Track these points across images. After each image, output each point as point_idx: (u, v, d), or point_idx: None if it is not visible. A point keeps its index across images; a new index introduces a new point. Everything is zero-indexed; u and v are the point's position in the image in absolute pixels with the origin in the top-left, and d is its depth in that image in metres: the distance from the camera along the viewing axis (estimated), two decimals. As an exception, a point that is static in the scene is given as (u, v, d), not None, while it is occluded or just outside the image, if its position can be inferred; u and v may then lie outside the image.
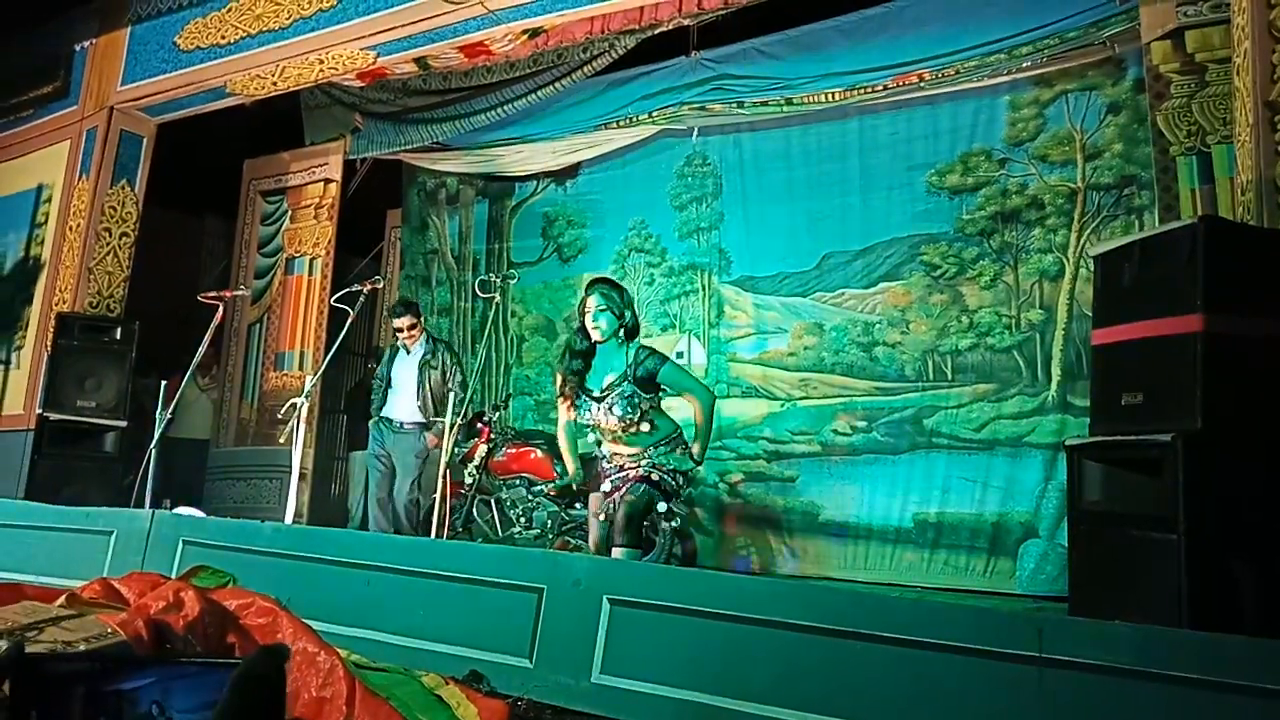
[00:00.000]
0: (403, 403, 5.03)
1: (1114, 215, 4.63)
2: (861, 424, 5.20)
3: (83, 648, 1.70)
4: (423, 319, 5.27)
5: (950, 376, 5.01)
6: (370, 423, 5.13)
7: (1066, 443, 2.71)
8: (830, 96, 5.22)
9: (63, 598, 2.17)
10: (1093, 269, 2.80)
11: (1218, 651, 1.79)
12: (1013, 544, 4.63)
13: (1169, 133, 3.78)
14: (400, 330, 5.03)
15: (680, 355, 5.90)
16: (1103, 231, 4.63)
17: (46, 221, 6.52)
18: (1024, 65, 4.73)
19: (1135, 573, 2.38)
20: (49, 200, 6.56)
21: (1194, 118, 3.72)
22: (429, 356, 5.01)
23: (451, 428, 4.15)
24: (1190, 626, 2.10)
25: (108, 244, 6.21)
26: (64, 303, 6.08)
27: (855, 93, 5.15)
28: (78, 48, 6.66)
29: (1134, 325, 2.51)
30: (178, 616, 1.97)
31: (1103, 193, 4.67)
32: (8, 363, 6.43)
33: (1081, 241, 4.69)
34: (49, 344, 5.74)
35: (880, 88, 5.07)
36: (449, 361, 5.02)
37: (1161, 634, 1.92)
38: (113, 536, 3.34)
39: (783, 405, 5.47)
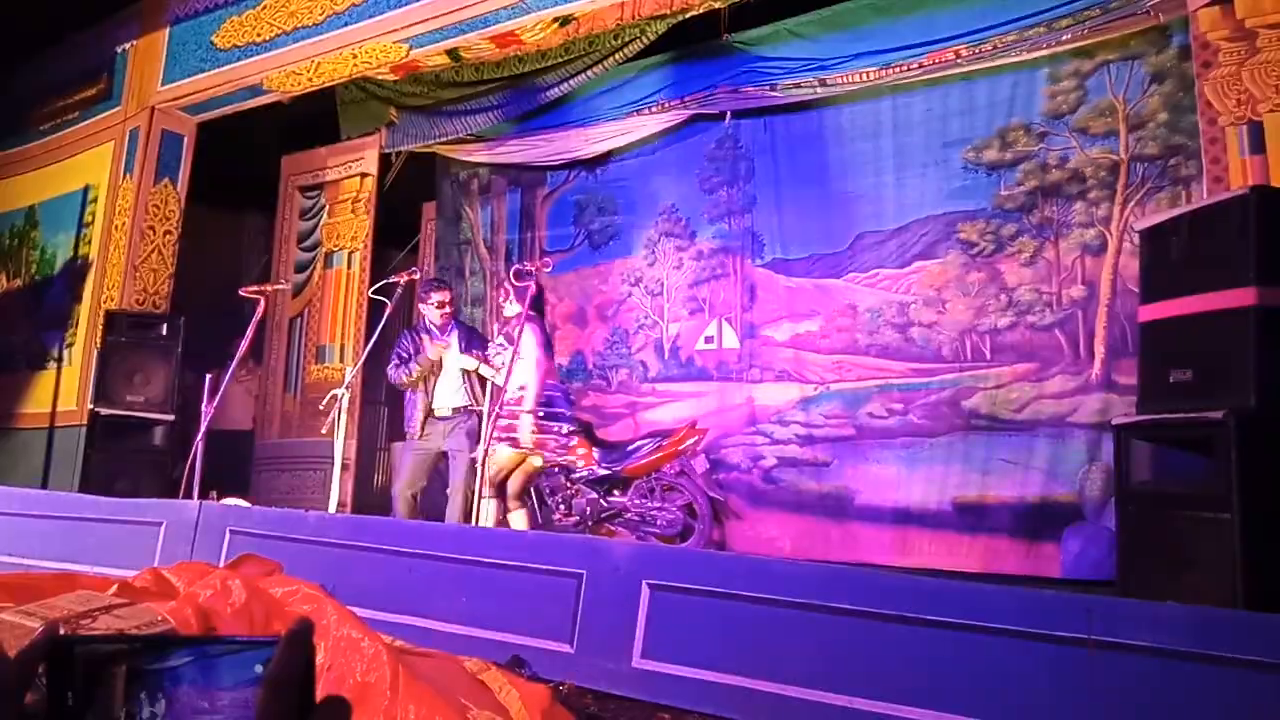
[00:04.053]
0: (444, 388, 4.82)
1: (1159, 187, 4.50)
2: (898, 406, 5.13)
3: (133, 633, 1.73)
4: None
5: (989, 356, 4.92)
6: (418, 412, 4.79)
7: (1113, 422, 2.64)
8: (864, 76, 5.12)
9: (115, 586, 2.22)
10: (1138, 243, 2.71)
11: (1275, 632, 1.73)
12: (1056, 527, 4.54)
13: (1217, 101, 3.65)
14: (442, 306, 4.80)
15: (710, 340, 5.88)
16: (1147, 204, 4.50)
17: (93, 221, 6.66)
18: (1064, 38, 4.59)
19: (1186, 554, 2.31)
20: (95, 200, 6.70)
21: (1244, 86, 3.58)
22: (464, 341, 4.90)
23: (488, 416, 4.16)
24: (1246, 607, 2.03)
25: (152, 242, 6.32)
26: (112, 300, 6.21)
27: (889, 71, 5.05)
28: (119, 50, 6.77)
29: (1183, 300, 2.43)
30: (225, 604, 2.00)
31: (1147, 164, 4.54)
32: (60, 360, 6.59)
33: (1125, 215, 4.57)
34: (99, 341, 5.87)
35: (915, 65, 4.97)
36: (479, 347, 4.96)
37: (1216, 615, 1.86)
38: (162, 527, 3.40)
39: (816, 389, 5.42)
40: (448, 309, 4.84)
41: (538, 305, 4.40)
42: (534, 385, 4.29)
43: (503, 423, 4.20)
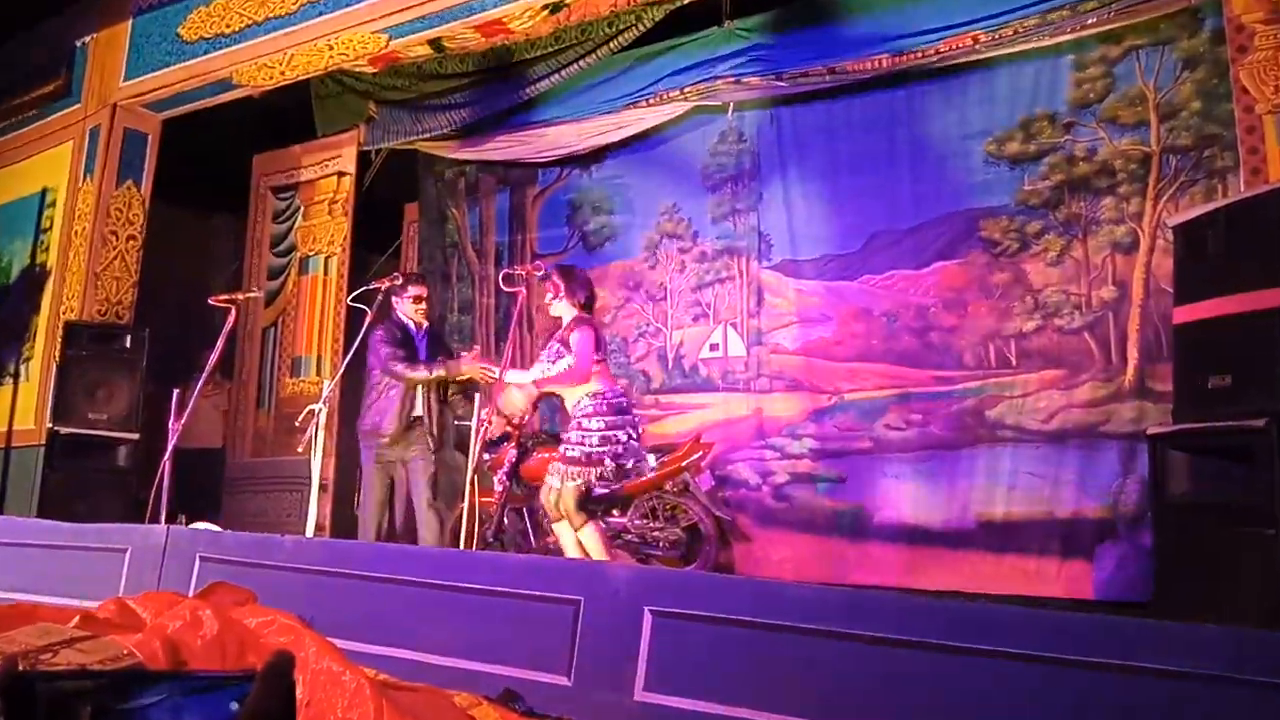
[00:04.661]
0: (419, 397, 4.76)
1: (1193, 180, 4.51)
2: (917, 417, 5.14)
3: (96, 669, 1.73)
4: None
5: (1014, 363, 4.92)
6: (393, 418, 4.68)
7: (1148, 431, 2.65)
8: (876, 64, 5.15)
9: (77, 618, 2.22)
10: (1172, 240, 2.73)
11: (1324, 657, 1.73)
12: (1088, 545, 4.54)
13: (1253, 88, 3.67)
14: (419, 301, 4.78)
15: (715, 347, 5.89)
16: (1181, 198, 4.51)
17: (51, 226, 6.68)
18: (1089, 21, 4.62)
19: (1227, 570, 2.32)
20: (53, 204, 6.72)
21: (1282, 71, 3.61)
22: (430, 349, 4.83)
23: (477, 433, 4.16)
24: (1292, 629, 2.03)
25: (114, 248, 6.34)
26: (71, 311, 6.22)
27: (904, 59, 5.07)
28: (78, 43, 6.80)
29: (1220, 300, 2.44)
30: (195, 636, 2.00)
31: (1180, 155, 4.56)
32: (17, 375, 6.59)
33: (1158, 210, 4.58)
34: (58, 354, 5.87)
35: (931, 52, 4.99)
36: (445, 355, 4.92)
37: (1260, 638, 1.86)
38: (127, 554, 3.39)
39: (829, 399, 5.42)
40: (424, 305, 4.85)
41: (589, 304, 4.37)
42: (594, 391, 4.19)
43: (573, 436, 4.15)
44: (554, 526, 4.33)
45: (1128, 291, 4.65)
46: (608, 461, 4.08)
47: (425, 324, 4.87)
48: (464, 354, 4.80)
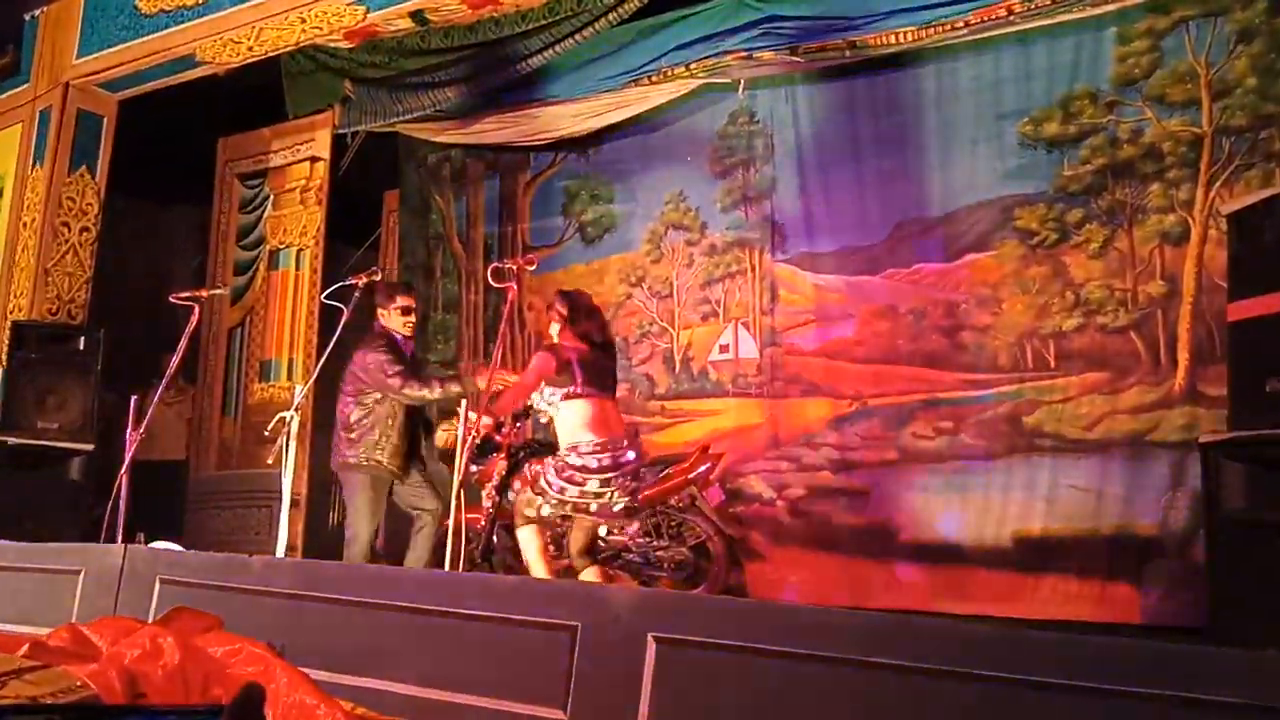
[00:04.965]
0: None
1: (1249, 163, 4.52)
2: (947, 425, 5.14)
3: (49, 703, 1.73)
4: None
5: (1053, 365, 4.93)
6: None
7: (1200, 440, 2.65)
8: (901, 37, 5.15)
9: (26, 646, 2.22)
10: (1226, 229, 2.72)
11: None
12: (1135, 565, 4.54)
13: (1315, 62, 3.67)
14: (408, 313, 4.79)
15: (725, 349, 5.89)
16: (1236, 184, 4.52)
17: (-3, 218, 6.69)
18: (1134, -12, 4.63)
19: (1289, 594, 2.31)
20: (-1, 193, 6.74)
21: (1345, 42, 3.61)
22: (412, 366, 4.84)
23: (463, 441, 4.16)
24: (1360, 657, 2.03)
25: (67, 241, 6.35)
26: (19, 310, 6.23)
27: (931, 31, 5.07)
28: (27, 17, 6.82)
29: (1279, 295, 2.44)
30: (156, 666, 2.00)
31: (1234, 137, 4.56)
32: (-41, 381, 6.60)
33: (1210, 197, 4.58)
34: (4, 358, 5.88)
35: (960, 24, 4.99)
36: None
37: (1325, 667, 1.85)
38: (81, 575, 3.40)
39: (850, 405, 5.42)
40: (413, 318, 4.85)
41: (597, 334, 4.36)
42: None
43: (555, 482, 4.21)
44: (518, 532, 4.38)
45: (1177, 286, 4.65)
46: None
47: (412, 338, 4.87)
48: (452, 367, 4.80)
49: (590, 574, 4.28)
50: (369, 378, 4.63)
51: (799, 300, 5.69)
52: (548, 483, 4.19)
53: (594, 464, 4.11)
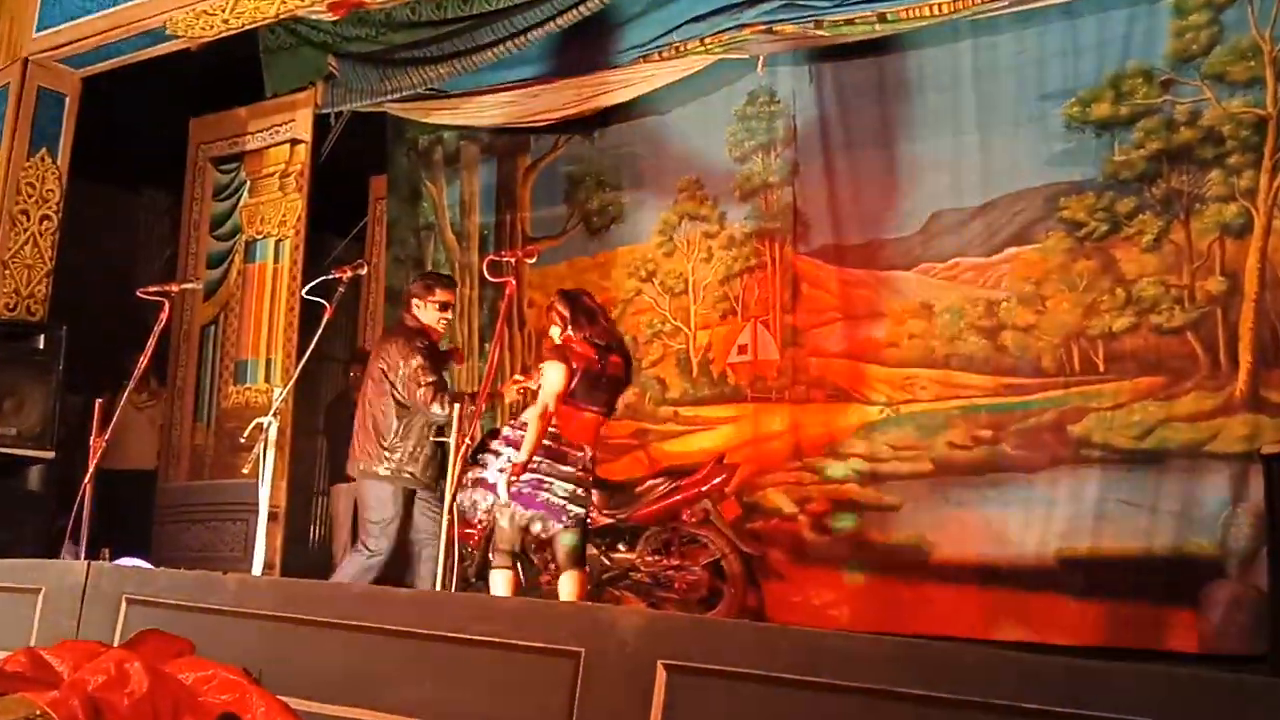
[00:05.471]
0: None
1: (1318, 149, 4.52)
2: (986, 434, 5.14)
3: (8, 733, 1.74)
4: None
5: (1102, 368, 4.93)
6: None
7: (1263, 450, 2.64)
8: (936, 9, 5.15)
9: (-18, 671, 2.23)
10: (1292, 220, 2.72)
11: None
12: (1191, 587, 4.53)
13: (1391, 37, 3.67)
14: (445, 309, 4.74)
15: (743, 349, 5.89)
16: (1303, 171, 4.52)
17: (-50, 205, 6.72)
18: (1192, -44, 4.64)
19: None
20: (-47, 179, 6.77)
21: None
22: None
23: (457, 450, 4.17)
24: None
25: (26, 230, 6.37)
26: (-26, 306, 6.26)
27: (969, 2, 5.07)
28: (-18, -12, 6.85)
29: (1351, 293, 2.44)
30: (121, 694, 2.01)
31: (1302, 120, 4.56)
32: (-90, 382, 6.64)
33: (1275, 185, 4.58)
34: (-43, 357, 5.90)
35: (1002, -6, 5.00)
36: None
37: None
38: (40, 595, 3.41)
39: (881, 412, 5.42)
40: (450, 315, 4.83)
41: (604, 338, 4.34)
42: (532, 434, 4.21)
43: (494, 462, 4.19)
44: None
45: (1239, 282, 4.65)
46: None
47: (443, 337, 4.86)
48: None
49: (500, 578, 4.25)
50: (398, 381, 4.55)
51: (823, 297, 5.70)
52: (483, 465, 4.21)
53: (513, 435, 4.14)
